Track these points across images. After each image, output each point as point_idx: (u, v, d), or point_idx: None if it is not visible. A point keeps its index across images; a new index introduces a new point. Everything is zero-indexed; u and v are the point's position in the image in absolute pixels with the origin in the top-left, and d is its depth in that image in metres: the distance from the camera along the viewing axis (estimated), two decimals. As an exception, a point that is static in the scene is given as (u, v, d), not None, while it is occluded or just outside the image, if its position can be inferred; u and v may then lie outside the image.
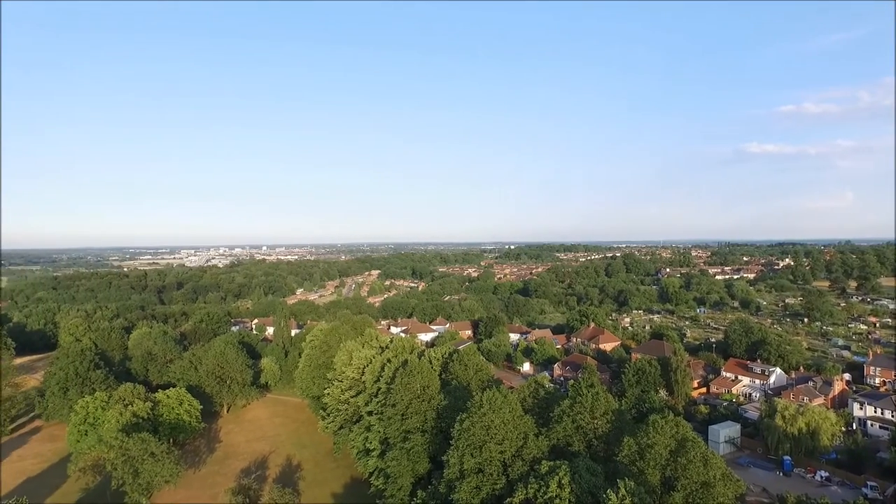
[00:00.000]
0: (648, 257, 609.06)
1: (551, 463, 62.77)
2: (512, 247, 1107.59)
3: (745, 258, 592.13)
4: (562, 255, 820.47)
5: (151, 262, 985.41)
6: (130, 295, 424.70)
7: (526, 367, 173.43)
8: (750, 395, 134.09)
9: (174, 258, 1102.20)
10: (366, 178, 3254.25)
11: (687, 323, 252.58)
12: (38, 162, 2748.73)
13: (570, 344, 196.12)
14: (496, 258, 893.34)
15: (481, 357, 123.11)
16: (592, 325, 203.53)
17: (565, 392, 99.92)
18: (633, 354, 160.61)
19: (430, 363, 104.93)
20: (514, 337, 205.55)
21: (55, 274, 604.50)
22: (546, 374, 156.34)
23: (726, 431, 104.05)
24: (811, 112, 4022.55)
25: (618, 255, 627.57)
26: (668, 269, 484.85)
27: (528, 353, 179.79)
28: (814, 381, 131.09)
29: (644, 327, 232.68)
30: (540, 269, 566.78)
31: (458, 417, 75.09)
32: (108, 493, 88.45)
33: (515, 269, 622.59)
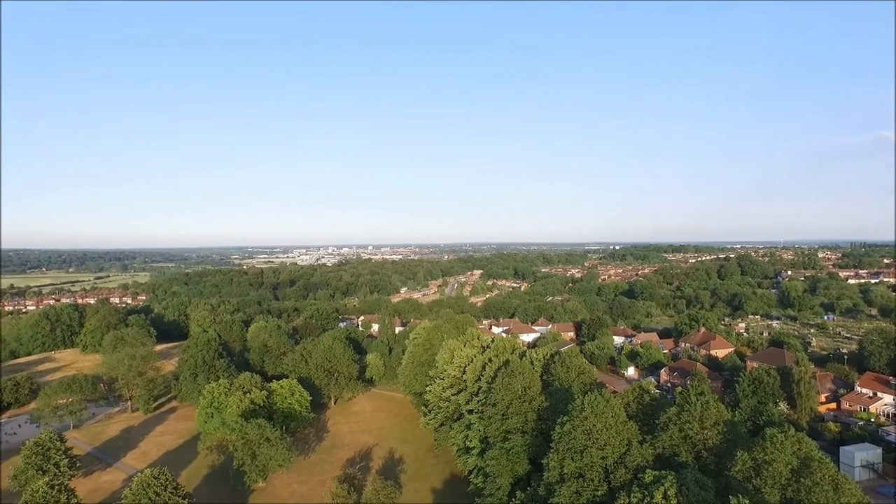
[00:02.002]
0: (767, 259, 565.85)
1: (656, 472, 60.25)
2: (617, 247, 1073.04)
3: (885, 260, 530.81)
4: (670, 256, 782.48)
5: (267, 260, 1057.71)
6: (249, 291, 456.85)
7: (630, 371, 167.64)
8: (893, 414, 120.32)
9: (287, 257, 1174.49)
10: (469, 178, 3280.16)
11: (812, 331, 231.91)
12: (177, 171, 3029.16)
13: (678, 349, 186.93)
14: (600, 259, 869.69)
15: (584, 359, 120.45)
16: (703, 329, 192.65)
17: (672, 399, 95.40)
18: (748, 362, 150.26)
19: (532, 364, 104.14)
20: (618, 340, 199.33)
21: (186, 271, 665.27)
22: (652, 379, 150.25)
23: (863, 455, 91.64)
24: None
25: (731, 256, 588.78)
26: (789, 272, 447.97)
27: (632, 356, 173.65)
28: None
29: (761, 334, 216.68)
30: (646, 271, 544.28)
31: (559, 420, 74.00)
32: (231, 472, 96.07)
33: (620, 270, 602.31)
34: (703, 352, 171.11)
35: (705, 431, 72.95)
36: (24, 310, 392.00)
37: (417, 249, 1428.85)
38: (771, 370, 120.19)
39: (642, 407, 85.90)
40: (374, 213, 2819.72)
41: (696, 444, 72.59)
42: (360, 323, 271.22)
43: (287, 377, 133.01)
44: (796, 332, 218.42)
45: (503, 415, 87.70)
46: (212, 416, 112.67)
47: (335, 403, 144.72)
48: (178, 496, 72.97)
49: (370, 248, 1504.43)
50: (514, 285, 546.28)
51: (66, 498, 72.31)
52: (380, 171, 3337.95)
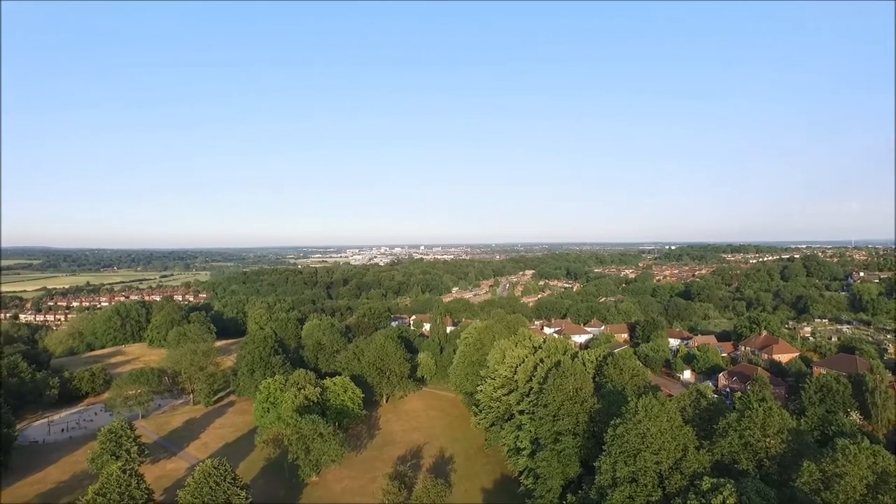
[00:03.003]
0: (836, 259, 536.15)
1: (714, 480, 58.24)
2: (673, 247, 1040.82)
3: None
4: (728, 257, 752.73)
5: (321, 260, 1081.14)
6: (303, 290, 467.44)
7: (686, 375, 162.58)
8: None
9: (341, 257, 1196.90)
10: (520, 178, 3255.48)
11: (889, 337, 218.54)
12: (237, 177, 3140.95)
13: (738, 353, 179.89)
14: (655, 259, 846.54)
15: (637, 361, 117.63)
16: (764, 333, 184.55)
17: (731, 405, 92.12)
18: (815, 369, 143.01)
19: (584, 365, 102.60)
20: (673, 342, 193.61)
21: (244, 270, 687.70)
22: (709, 383, 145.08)
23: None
24: None
25: (796, 256, 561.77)
26: (861, 274, 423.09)
27: (689, 360, 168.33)
28: None
29: (829, 339, 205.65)
30: (704, 271, 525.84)
31: (612, 422, 72.57)
32: (286, 465, 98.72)
33: (676, 271, 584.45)
34: (765, 356, 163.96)
35: (767, 439, 70.05)
36: (98, 306, 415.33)
37: (469, 249, 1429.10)
38: (841, 377, 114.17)
39: (699, 412, 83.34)
40: (425, 213, 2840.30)
41: (758, 452, 69.80)
42: (411, 322, 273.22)
43: (340, 374, 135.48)
44: (870, 338, 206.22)
45: (554, 416, 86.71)
46: (268, 411, 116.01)
47: (387, 401, 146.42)
48: (237, 487, 75.45)
49: (422, 247, 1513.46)
50: (567, 286, 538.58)
51: (136, 483, 76.13)
52: (432, 172, 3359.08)
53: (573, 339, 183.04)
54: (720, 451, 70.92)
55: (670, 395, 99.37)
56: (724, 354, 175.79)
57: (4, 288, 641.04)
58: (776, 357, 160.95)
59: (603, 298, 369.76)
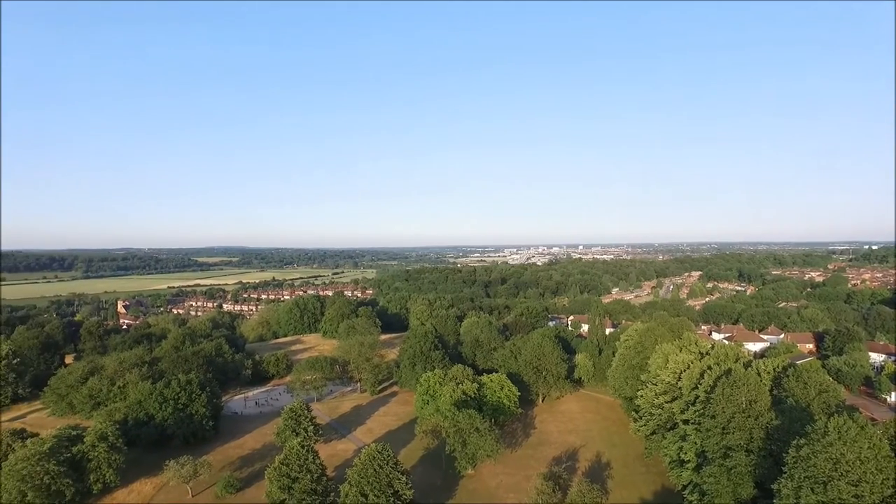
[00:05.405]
0: None
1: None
2: (874, 247, 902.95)
3: None
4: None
5: (479, 259, 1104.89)
6: (462, 288, 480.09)
7: (894, 396, 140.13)
8: None
9: (498, 256, 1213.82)
10: (687, 172, 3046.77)
11: None
12: (405, 180, 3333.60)
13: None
14: (850, 260, 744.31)
15: (827, 376, 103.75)
16: None
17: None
18: None
19: (759, 375, 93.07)
20: (875, 357, 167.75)
21: (407, 268, 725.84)
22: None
23: None
24: None
25: None
26: None
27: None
28: None
29: None
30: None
31: (794, 442, 64.76)
32: (443, 456, 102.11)
33: (879, 275, 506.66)
34: None
35: None
36: (281, 298, 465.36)
37: (630, 249, 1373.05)
38: None
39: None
40: (584, 213, 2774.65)
41: None
42: (569, 322, 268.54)
43: (497, 372, 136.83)
44: None
45: (723, 429, 79.63)
46: (427, 403, 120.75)
47: (542, 401, 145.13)
48: (398, 472, 79.78)
49: (580, 247, 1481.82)
50: (738, 288, 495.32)
51: (312, 458, 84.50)
52: (590, 170, 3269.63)
53: (746, 346, 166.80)
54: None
55: (873, 420, 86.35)
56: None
57: (212, 281, 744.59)
58: None
59: (782, 303, 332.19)
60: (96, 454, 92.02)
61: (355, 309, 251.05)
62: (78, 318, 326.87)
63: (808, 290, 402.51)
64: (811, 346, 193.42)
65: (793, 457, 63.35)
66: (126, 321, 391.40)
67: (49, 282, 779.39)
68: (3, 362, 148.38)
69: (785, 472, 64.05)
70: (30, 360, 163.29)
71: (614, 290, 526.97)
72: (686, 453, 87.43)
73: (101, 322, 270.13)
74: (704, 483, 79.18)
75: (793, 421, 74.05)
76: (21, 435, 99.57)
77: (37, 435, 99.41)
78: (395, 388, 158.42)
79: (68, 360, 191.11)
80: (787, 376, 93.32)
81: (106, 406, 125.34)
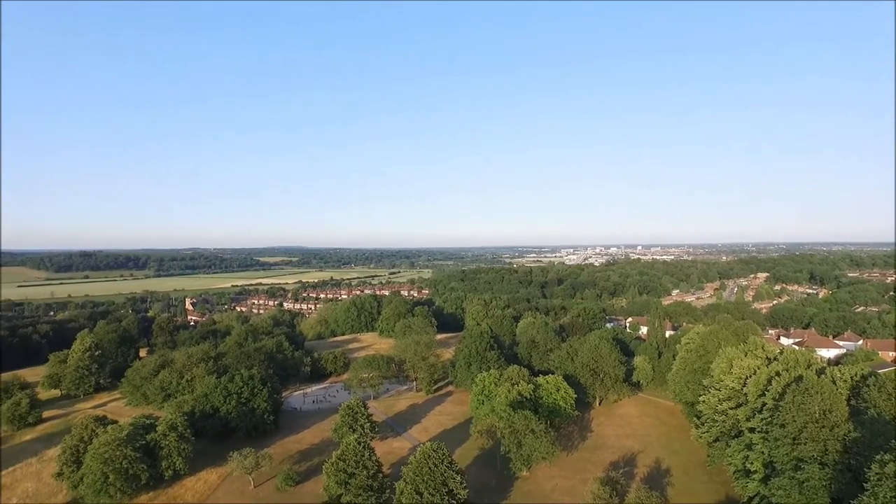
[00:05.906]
0: None
1: None
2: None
3: None
4: None
5: (536, 259, 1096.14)
6: (518, 288, 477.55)
7: None
8: None
9: (555, 257, 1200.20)
10: (754, 168, 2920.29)
11: None
12: (462, 184, 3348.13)
13: None
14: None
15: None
16: None
17: None
18: None
19: (834, 384, 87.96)
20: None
21: (463, 268, 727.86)
22: None
23: None
24: None
25: None
26: None
27: None
28: None
29: None
30: None
31: (878, 458, 60.83)
32: (498, 457, 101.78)
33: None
34: None
35: None
36: (339, 298, 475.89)
37: (691, 249, 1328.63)
38: None
39: None
40: (644, 213, 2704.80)
41: None
42: (627, 324, 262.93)
43: (553, 373, 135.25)
44: None
45: (794, 439, 75.76)
46: (483, 403, 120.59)
47: (600, 404, 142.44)
48: (453, 471, 79.98)
49: (639, 247, 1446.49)
50: (810, 291, 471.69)
51: (368, 455, 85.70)
52: (649, 168, 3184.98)
53: (818, 352, 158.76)
54: None
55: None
56: None
57: (273, 280, 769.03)
58: None
59: (860, 308, 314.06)
60: (167, 443, 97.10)
61: (411, 308, 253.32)
62: (150, 314, 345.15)
63: (892, 293, 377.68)
64: (894, 354, 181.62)
65: (876, 473, 59.40)
66: (193, 318, 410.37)
67: (125, 279, 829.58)
68: (87, 354, 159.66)
69: (867, 490, 60.26)
70: (109, 352, 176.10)
71: (674, 292, 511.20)
72: (752, 463, 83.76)
73: (171, 318, 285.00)
74: (773, 496, 75.07)
75: (874, 434, 69.56)
76: (103, 421, 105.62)
77: (116, 422, 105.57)
78: (450, 388, 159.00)
79: (142, 353, 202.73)
80: (868, 385, 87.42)
81: (175, 398, 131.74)
